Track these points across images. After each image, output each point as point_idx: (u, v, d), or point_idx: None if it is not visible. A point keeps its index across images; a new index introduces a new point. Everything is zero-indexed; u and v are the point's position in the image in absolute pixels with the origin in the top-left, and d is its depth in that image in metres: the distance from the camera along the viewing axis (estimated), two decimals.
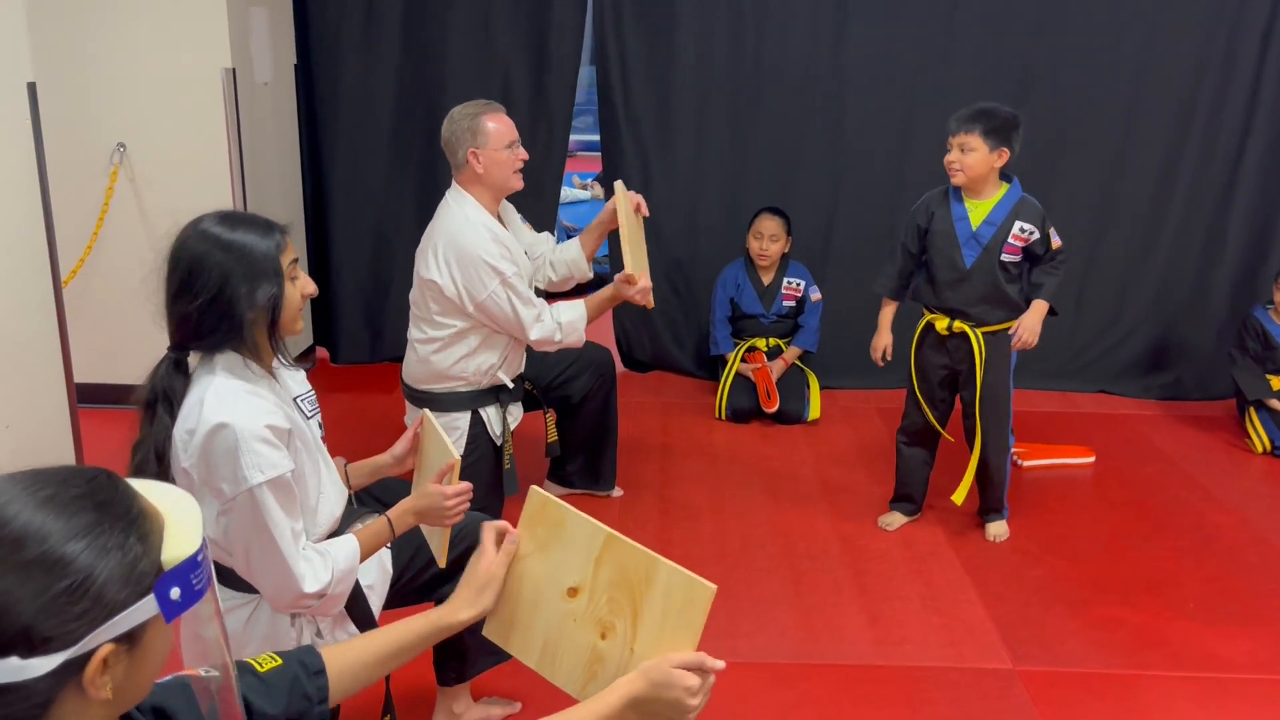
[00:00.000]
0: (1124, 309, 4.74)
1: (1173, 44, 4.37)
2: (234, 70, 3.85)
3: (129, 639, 0.86)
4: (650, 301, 3.06)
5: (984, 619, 2.84)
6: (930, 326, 3.18)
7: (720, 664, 1.24)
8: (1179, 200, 4.57)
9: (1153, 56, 4.39)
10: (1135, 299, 4.71)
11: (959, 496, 3.24)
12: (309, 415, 1.84)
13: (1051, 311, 3.09)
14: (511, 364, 3.08)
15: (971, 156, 2.99)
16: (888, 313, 3.30)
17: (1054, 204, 4.54)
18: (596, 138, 4.76)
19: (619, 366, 4.78)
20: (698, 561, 3.11)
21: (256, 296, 1.66)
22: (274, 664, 1.24)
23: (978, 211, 3.07)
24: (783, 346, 4.40)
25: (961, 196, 3.09)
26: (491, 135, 2.90)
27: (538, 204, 4.66)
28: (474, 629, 2.13)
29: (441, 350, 2.97)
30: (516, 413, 3.14)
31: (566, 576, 1.35)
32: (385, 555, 2.00)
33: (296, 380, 1.87)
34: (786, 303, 4.40)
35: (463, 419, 2.99)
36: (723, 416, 4.29)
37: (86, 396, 3.37)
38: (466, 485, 1.86)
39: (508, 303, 2.89)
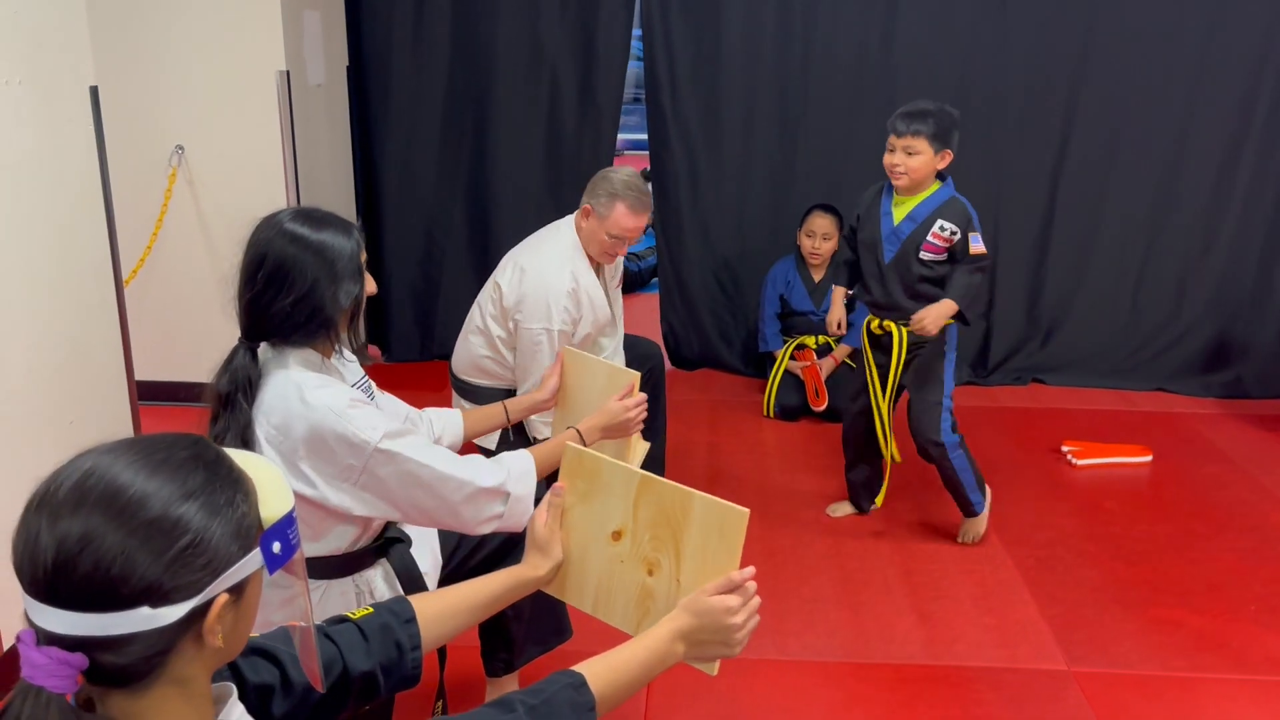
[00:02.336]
0: (1182, 305, 4.64)
1: (1233, 35, 4.28)
2: (288, 73, 3.91)
3: (236, 591, 0.92)
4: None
5: (1037, 620, 2.80)
6: (869, 324, 3.16)
7: (749, 571, 1.30)
8: (1239, 194, 4.47)
9: (1212, 47, 4.30)
10: (1194, 295, 4.61)
11: (878, 499, 3.37)
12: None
13: (962, 319, 2.99)
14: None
15: (916, 159, 2.91)
16: (838, 292, 3.34)
17: (1110, 197, 4.49)
18: (644, 136, 4.77)
19: (666, 364, 4.80)
20: (745, 559, 3.10)
21: (341, 297, 1.73)
22: (366, 612, 1.30)
23: (901, 208, 3.00)
24: (832, 344, 4.37)
25: (891, 191, 3.03)
26: (610, 219, 2.91)
27: None
28: (521, 620, 2.18)
29: (487, 348, 3.02)
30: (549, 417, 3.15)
31: (609, 522, 1.42)
32: (436, 544, 2.04)
33: (350, 370, 1.92)
34: None
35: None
36: (771, 414, 4.27)
37: (146, 394, 3.44)
38: (643, 396, 2.11)
39: (545, 348, 2.90)
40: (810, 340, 4.36)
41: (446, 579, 2.07)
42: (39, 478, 0.89)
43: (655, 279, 5.63)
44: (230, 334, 1.78)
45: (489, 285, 3.07)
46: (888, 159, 2.95)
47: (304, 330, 1.73)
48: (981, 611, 2.84)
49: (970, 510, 3.20)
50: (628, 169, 3.02)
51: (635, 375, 2.10)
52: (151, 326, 3.97)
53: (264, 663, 1.14)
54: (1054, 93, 4.41)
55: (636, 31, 4.59)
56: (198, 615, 0.88)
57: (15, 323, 2.41)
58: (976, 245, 2.94)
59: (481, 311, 3.06)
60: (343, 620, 1.27)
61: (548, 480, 2.20)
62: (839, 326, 3.32)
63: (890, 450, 3.24)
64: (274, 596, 1.76)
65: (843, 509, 3.41)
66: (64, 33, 2.55)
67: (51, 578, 0.84)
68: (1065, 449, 3.91)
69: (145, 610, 0.85)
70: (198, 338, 3.81)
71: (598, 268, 3.09)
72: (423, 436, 1.83)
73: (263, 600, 1.00)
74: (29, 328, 2.45)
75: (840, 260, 3.30)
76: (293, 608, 1.71)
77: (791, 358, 4.32)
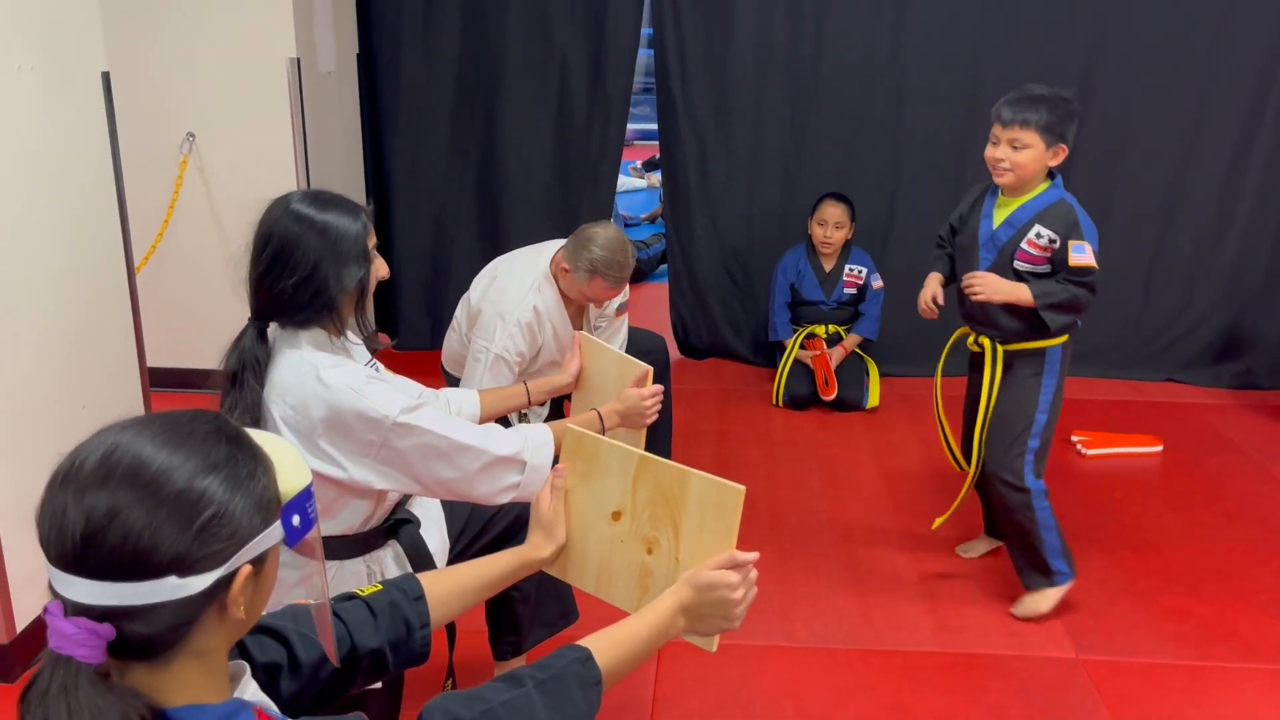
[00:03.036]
0: (1194, 295, 4.62)
1: (1244, 28, 4.25)
2: (298, 60, 3.92)
3: (258, 562, 0.94)
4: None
5: None
6: (963, 338, 2.79)
7: (753, 555, 1.32)
8: (1251, 184, 4.44)
9: (1224, 37, 4.27)
10: (1205, 285, 4.59)
11: (936, 522, 2.91)
12: None
13: (1039, 320, 2.56)
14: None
15: (1025, 154, 2.51)
16: (935, 277, 2.86)
17: (1122, 188, 4.47)
18: (654, 126, 4.76)
19: (675, 354, 4.80)
20: (753, 547, 3.09)
21: (345, 279, 1.73)
22: (375, 589, 1.31)
23: (1002, 210, 2.62)
24: (842, 334, 4.37)
25: (997, 191, 2.66)
26: (588, 289, 2.87)
27: (594, 193, 4.68)
28: (528, 603, 2.20)
29: (460, 346, 3.08)
30: (540, 411, 3.15)
31: (609, 502, 1.43)
32: (443, 526, 2.06)
33: (358, 354, 1.93)
34: (848, 290, 4.36)
35: None
36: (780, 403, 4.27)
37: (157, 380, 3.46)
38: (659, 387, 2.13)
39: (482, 365, 2.88)
40: (820, 329, 4.36)
41: (453, 561, 2.09)
42: (52, 464, 0.90)
43: (662, 266, 5.63)
44: (241, 320, 1.79)
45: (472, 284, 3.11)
46: (990, 152, 2.55)
47: (307, 311, 1.74)
48: (990, 599, 2.84)
49: (1045, 576, 2.68)
50: (611, 231, 2.87)
51: (646, 367, 2.13)
52: (162, 313, 3.98)
53: (271, 642, 1.15)
54: (1065, 83, 4.37)
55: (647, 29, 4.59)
56: (222, 586, 0.90)
57: (27, 308, 2.42)
58: (1079, 256, 2.48)
59: (460, 310, 3.11)
60: (351, 597, 1.28)
61: None
62: (934, 301, 2.78)
63: (971, 471, 2.77)
64: (289, 576, 1.78)
65: (977, 548, 3.05)
66: (75, 19, 2.55)
67: (81, 549, 0.85)
68: (1075, 439, 3.90)
69: (173, 580, 0.86)
70: (208, 325, 3.79)
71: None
72: (437, 407, 1.84)
73: (278, 581, 1.01)
74: (41, 313, 2.47)
75: (941, 254, 2.89)
76: (309, 586, 1.72)
77: (801, 347, 4.32)
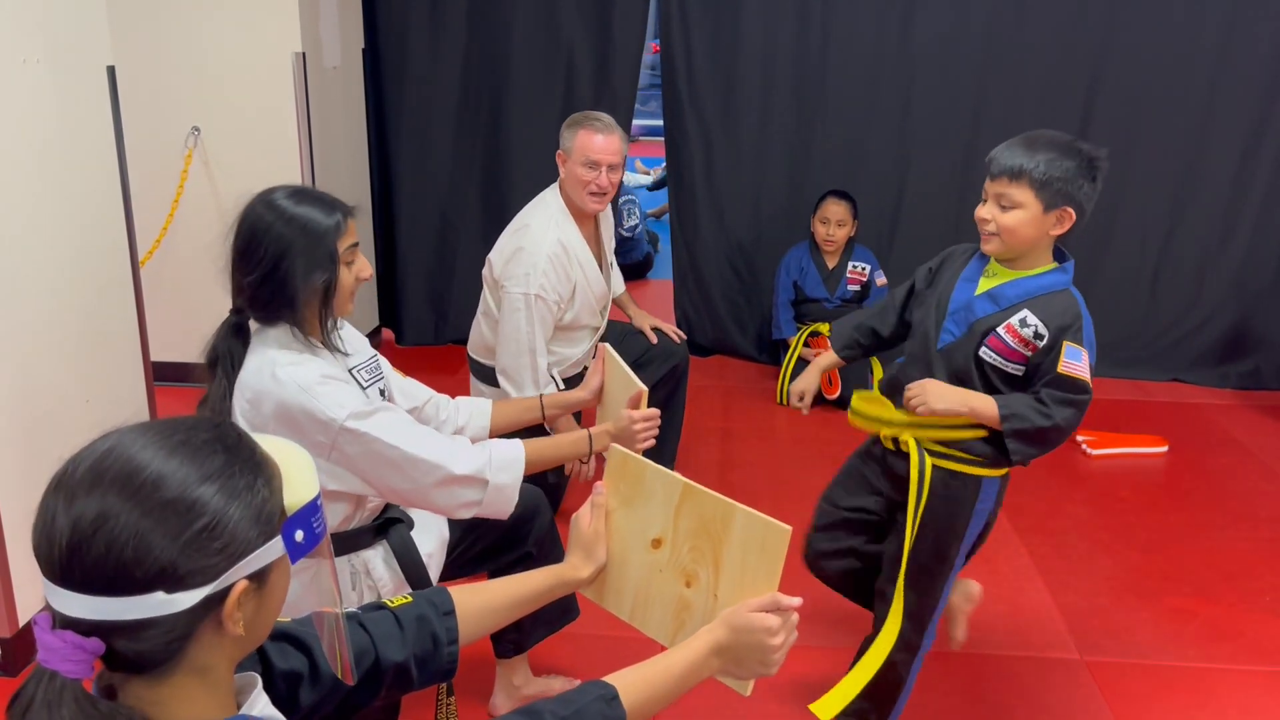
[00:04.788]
0: (1201, 295, 4.61)
1: (1255, 24, 4.23)
2: (304, 54, 3.91)
3: (258, 578, 0.90)
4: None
5: (1051, 608, 2.79)
6: (882, 438, 2.19)
7: (796, 601, 1.25)
8: (1260, 182, 4.42)
9: (1234, 35, 4.25)
10: (1213, 284, 4.58)
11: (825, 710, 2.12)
12: (365, 385, 1.86)
13: (1002, 451, 1.98)
14: (564, 362, 3.08)
15: (1014, 216, 1.91)
16: (825, 359, 2.42)
17: (1131, 183, 4.45)
18: (660, 122, 4.74)
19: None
20: None
21: (311, 277, 1.69)
22: (404, 601, 1.27)
23: (991, 279, 2.00)
24: None
25: (988, 258, 2.04)
26: (574, 148, 2.90)
27: None
28: None
29: (490, 330, 3.02)
30: None
31: (650, 529, 1.37)
32: (444, 526, 2.04)
33: (356, 349, 1.89)
34: (851, 287, 4.35)
35: None
36: (784, 402, 4.26)
37: (161, 375, 3.45)
38: (655, 411, 1.98)
39: (523, 312, 2.83)
40: (824, 327, 4.34)
41: (451, 562, 2.07)
42: (56, 457, 0.88)
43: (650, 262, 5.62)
44: None
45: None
46: (977, 211, 1.98)
47: (270, 306, 1.71)
48: (993, 599, 2.83)
49: None
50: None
51: (642, 388, 1.99)
52: (166, 308, 3.98)
53: (293, 650, 1.12)
54: (1073, 81, 4.37)
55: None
56: (215, 602, 0.86)
57: (33, 302, 2.42)
58: (1073, 364, 1.90)
59: (483, 291, 3.07)
60: (380, 608, 1.25)
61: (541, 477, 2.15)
62: (800, 399, 2.42)
63: (890, 621, 2.17)
64: None
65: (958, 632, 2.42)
66: (81, 12, 2.55)
67: (66, 560, 0.83)
68: (1080, 438, 3.89)
69: (160, 595, 0.83)
70: (212, 319, 3.79)
71: (593, 234, 3.05)
72: (402, 413, 1.78)
73: None
74: (46, 308, 2.47)
75: (861, 321, 2.34)
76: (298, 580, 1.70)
77: (805, 345, 4.31)
